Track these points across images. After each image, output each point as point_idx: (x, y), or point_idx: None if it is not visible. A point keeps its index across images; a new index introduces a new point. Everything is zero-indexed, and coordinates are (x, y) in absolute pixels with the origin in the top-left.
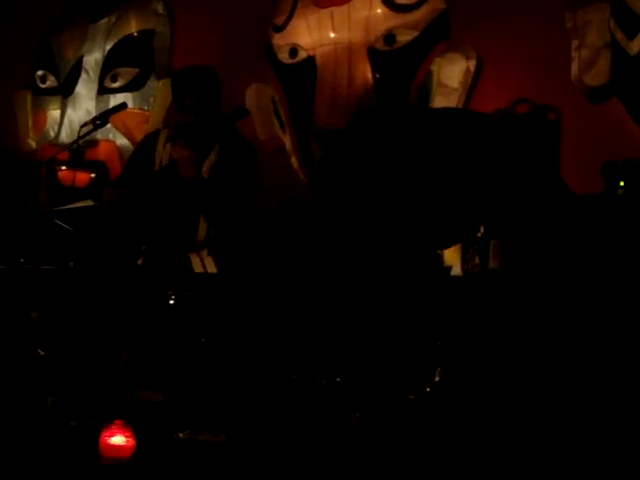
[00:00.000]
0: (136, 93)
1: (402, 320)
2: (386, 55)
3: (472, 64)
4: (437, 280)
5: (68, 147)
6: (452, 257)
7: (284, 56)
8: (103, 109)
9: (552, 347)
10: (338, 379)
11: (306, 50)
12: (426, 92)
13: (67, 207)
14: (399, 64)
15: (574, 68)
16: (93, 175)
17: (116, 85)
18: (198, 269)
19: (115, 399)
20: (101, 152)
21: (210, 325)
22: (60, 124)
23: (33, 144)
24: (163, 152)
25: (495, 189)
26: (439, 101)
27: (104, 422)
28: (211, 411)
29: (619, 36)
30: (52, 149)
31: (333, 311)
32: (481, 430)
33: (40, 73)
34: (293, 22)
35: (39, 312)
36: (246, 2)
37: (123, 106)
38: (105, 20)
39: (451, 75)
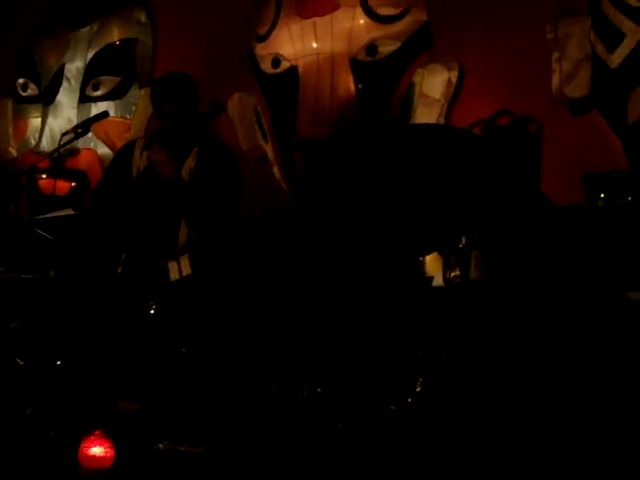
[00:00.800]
0: (118, 102)
1: (384, 330)
2: (368, 66)
3: (454, 75)
4: (419, 290)
5: (49, 155)
6: (434, 268)
7: (267, 66)
8: (84, 117)
9: (533, 357)
10: (319, 389)
11: (289, 60)
12: (408, 103)
13: (47, 216)
14: (381, 75)
15: (555, 80)
16: (74, 184)
17: (98, 93)
18: (174, 275)
19: (94, 409)
20: (82, 161)
21: (191, 335)
22: (41, 132)
23: (14, 152)
24: (140, 161)
25: (476, 200)
26: (421, 112)
27: (83, 432)
28: (191, 422)
29: (600, 49)
30: (33, 157)
31: (314, 321)
32: (462, 440)
33: (21, 81)
34: (276, 32)
35: (19, 322)
36: (229, 12)
37: (105, 115)
38: (87, 28)
39: (433, 86)
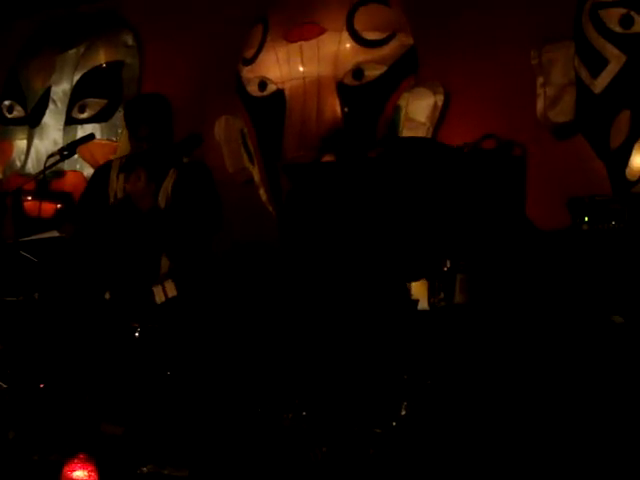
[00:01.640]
0: (104, 124)
1: (369, 354)
2: (355, 89)
3: (439, 99)
4: (404, 314)
5: (34, 177)
6: (419, 291)
7: (253, 89)
8: (70, 140)
9: (518, 380)
10: (304, 413)
11: (275, 83)
12: (394, 126)
13: (32, 238)
14: (367, 98)
15: (539, 105)
16: (59, 206)
17: (84, 116)
18: (160, 298)
19: (78, 433)
20: (68, 183)
21: (175, 358)
22: (27, 154)
23: None
24: (117, 184)
25: (461, 223)
26: (407, 135)
27: (66, 456)
28: (175, 445)
29: (584, 74)
30: (18, 179)
31: (299, 344)
32: (447, 463)
33: (7, 103)
34: (262, 55)
35: (2, 344)
36: (215, 35)
37: (91, 137)
38: (74, 51)
39: (419, 110)
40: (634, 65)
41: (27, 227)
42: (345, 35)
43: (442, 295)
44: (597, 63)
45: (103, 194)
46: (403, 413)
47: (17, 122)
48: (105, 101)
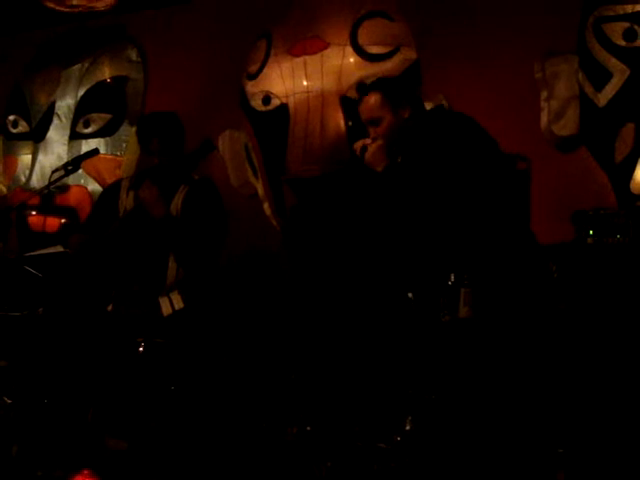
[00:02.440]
0: (108, 139)
1: (373, 368)
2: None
3: None
4: (408, 328)
5: (39, 192)
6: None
7: (257, 103)
8: (75, 154)
9: (523, 396)
10: (308, 428)
11: (279, 98)
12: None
13: (37, 253)
14: None
15: (543, 118)
16: (64, 220)
17: (88, 130)
18: (167, 310)
19: (82, 448)
20: (72, 197)
21: (179, 372)
22: (31, 169)
23: (4, 189)
24: (127, 200)
25: (466, 237)
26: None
27: (71, 472)
28: (179, 460)
29: (587, 87)
30: (23, 194)
31: (304, 359)
32: (452, 479)
33: (12, 118)
34: (266, 70)
35: (6, 359)
36: (220, 50)
37: (95, 152)
38: (78, 66)
39: None
40: (638, 78)
41: (31, 242)
42: (349, 49)
43: (446, 309)
44: (601, 76)
45: (113, 210)
46: (408, 428)
47: (22, 137)
48: (109, 116)
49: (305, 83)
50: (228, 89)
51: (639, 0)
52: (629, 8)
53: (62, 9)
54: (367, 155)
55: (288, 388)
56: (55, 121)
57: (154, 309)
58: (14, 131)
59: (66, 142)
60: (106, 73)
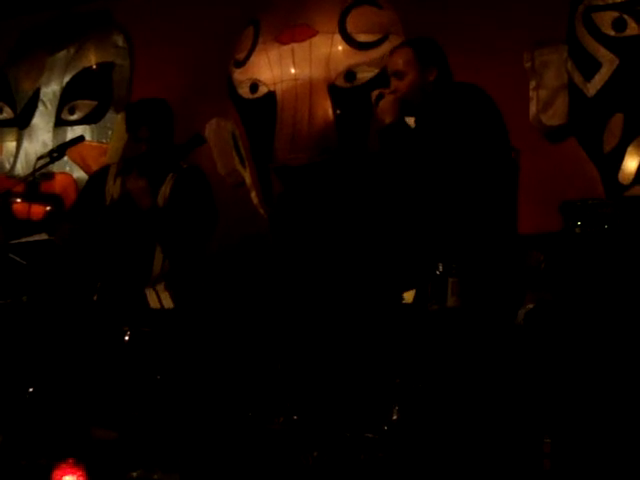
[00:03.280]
0: (94, 126)
1: (360, 357)
2: (346, 92)
3: None
4: (395, 317)
5: (24, 179)
6: (410, 294)
7: (245, 91)
8: (60, 141)
9: (510, 385)
10: (295, 417)
11: (267, 85)
12: None
13: (22, 240)
14: (359, 101)
15: (532, 108)
16: (49, 208)
17: (74, 117)
18: (154, 304)
19: (67, 437)
20: (57, 185)
21: (166, 362)
22: (16, 156)
23: None
24: (113, 187)
25: (453, 227)
26: None
27: (55, 461)
28: (165, 449)
29: (577, 77)
30: (7, 181)
31: (290, 348)
32: (440, 468)
33: None
34: (254, 57)
35: None
36: (207, 37)
37: (80, 139)
38: (63, 52)
39: None
40: (627, 68)
41: (16, 229)
42: (337, 37)
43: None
44: (590, 66)
45: (99, 197)
46: (395, 417)
47: (6, 124)
48: (95, 103)
49: (293, 71)
50: (215, 77)
51: None
52: None
53: None
54: (381, 103)
55: (274, 377)
56: (40, 108)
57: (140, 300)
58: None
59: (51, 129)
60: (92, 59)
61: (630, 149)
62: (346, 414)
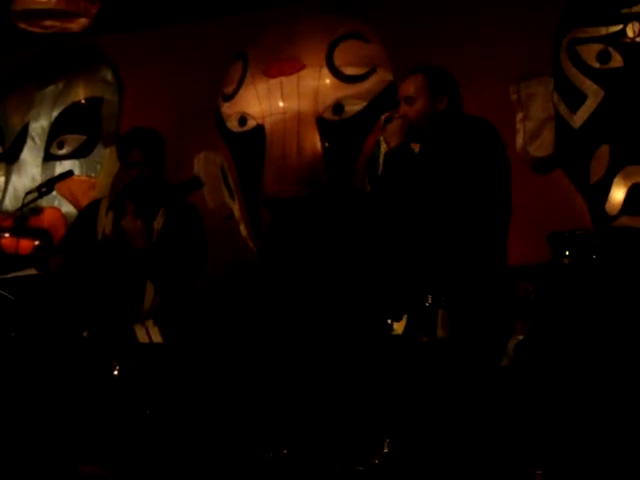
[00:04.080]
0: (83, 160)
1: (351, 390)
2: (335, 125)
3: None
4: (386, 349)
5: (12, 214)
6: (400, 326)
7: (233, 124)
8: (49, 176)
9: (500, 417)
10: (285, 451)
11: (255, 119)
12: (375, 161)
13: (10, 275)
14: (348, 133)
15: (519, 139)
16: (37, 243)
17: (62, 152)
18: (143, 339)
19: (55, 473)
20: (46, 219)
21: (155, 397)
22: (4, 191)
23: None
24: (105, 221)
25: (442, 259)
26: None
27: None
28: None
29: (562, 109)
30: None
31: (280, 382)
32: None
33: None
34: (242, 91)
35: None
36: (195, 71)
37: (69, 173)
38: (52, 87)
39: None
40: (612, 100)
41: (4, 264)
42: (325, 71)
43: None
44: (576, 98)
45: (90, 231)
46: (385, 450)
47: None
48: (84, 137)
49: (281, 104)
50: (204, 110)
51: (613, 22)
52: (603, 30)
53: (36, 30)
54: (389, 126)
55: (264, 411)
56: (29, 142)
57: (129, 335)
58: None
59: (40, 164)
60: (81, 94)
61: (617, 180)
62: (336, 447)
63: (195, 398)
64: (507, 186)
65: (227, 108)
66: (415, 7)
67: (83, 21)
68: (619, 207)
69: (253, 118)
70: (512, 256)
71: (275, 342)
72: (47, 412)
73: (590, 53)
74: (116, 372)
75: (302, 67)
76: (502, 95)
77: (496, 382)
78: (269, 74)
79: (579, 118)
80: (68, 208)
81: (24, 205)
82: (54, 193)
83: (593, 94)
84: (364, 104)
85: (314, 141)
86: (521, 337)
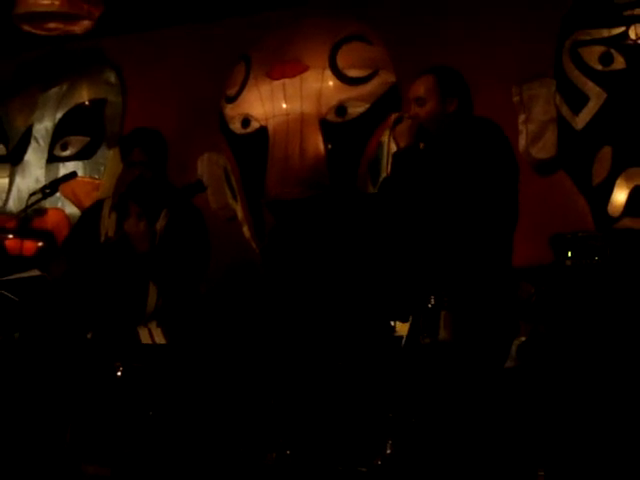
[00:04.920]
0: (86, 162)
1: (353, 392)
2: (338, 126)
3: None
4: (388, 351)
5: (16, 216)
6: (403, 327)
7: (236, 126)
8: (53, 177)
9: (503, 418)
10: (288, 452)
11: (258, 120)
12: (377, 162)
13: (14, 277)
14: (351, 135)
15: (521, 141)
16: (41, 244)
17: (66, 154)
18: (146, 341)
19: (59, 474)
20: (49, 221)
21: (158, 397)
22: (8, 192)
23: None
24: (109, 221)
25: (445, 260)
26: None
27: None
28: None
29: (565, 111)
30: None
31: (283, 383)
32: None
33: None
34: (245, 93)
35: None
36: (198, 73)
37: (73, 175)
38: (56, 89)
39: None
40: (615, 102)
41: (8, 266)
42: (328, 73)
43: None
44: (578, 100)
45: (94, 232)
46: (388, 452)
47: None
48: (87, 139)
49: (284, 106)
50: (207, 112)
51: (615, 24)
52: (605, 32)
53: (39, 32)
54: (398, 126)
55: (267, 413)
56: (33, 144)
57: (132, 337)
58: None
59: (44, 165)
60: (84, 96)
61: (619, 181)
62: (339, 448)
63: (198, 399)
64: (515, 189)
65: (230, 110)
66: (416, 7)
67: (86, 23)
68: (621, 209)
69: (256, 120)
70: (514, 257)
71: (278, 343)
72: (51, 413)
73: (592, 55)
74: (119, 373)
75: (305, 69)
76: (504, 96)
77: (499, 384)
78: (272, 76)
79: (581, 120)
80: (72, 209)
81: (28, 206)
82: (58, 194)
83: (595, 96)
84: (367, 106)
85: (317, 143)
86: (523, 339)
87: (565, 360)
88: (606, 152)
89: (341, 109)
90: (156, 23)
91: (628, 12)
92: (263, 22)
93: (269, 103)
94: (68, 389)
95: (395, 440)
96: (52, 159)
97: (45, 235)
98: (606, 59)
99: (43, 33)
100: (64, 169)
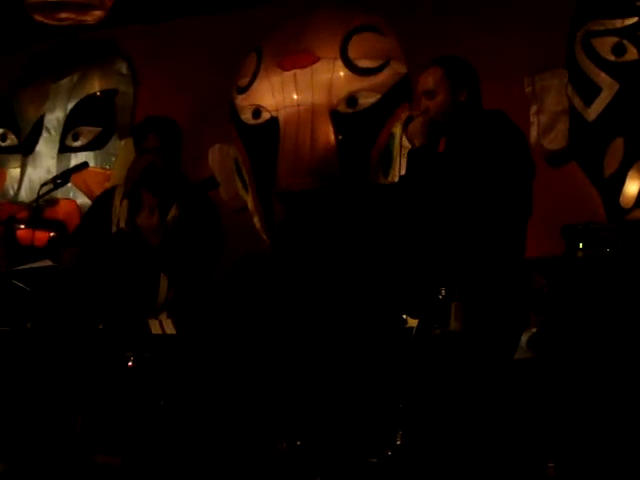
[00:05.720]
0: (98, 152)
1: (364, 382)
2: (349, 117)
3: None
4: (399, 342)
5: (28, 206)
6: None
7: (247, 117)
8: (64, 168)
9: (513, 409)
10: (298, 442)
11: (269, 111)
12: (388, 154)
13: (25, 267)
14: (361, 126)
15: (533, 132)
16: (52, 234)
17: (77, 144)
18: (157, 332)
19: (71, 463)
20: (61, 211)
21: (169, 387)
22: (20, 182)
23: None
24: (120, 209)
25: (456, 251)
26: (401, 163)
27: None
28: (168, 475)
29: (577, 102)
30: (11, 208)
31: (294, 374)
32: None
33: (0, 131)
34: (257, 84)
35: None
36: (210, 63)
37: (84, 165)
38: (67, 79)
39: None
40: (627, 93)
41: (20, 256)
42: (339, 63)
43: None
44: (590, 91)
45: (105, 220)
46: (398, 442)
47: (10, 150)
48: (99, 129)
49: (295, 97)
50: (218, 103)
51: (628, 15)
52: (618, 23)
53: (51, 22)
54: (410, 126)
55: (278, 403)
56: (44, 134)
57: (143, 328)
58: (3, 144)
59: (55, 155)
60: (96, 86)
61: (631, 173)
62: (349, 439)
63: (208, 389)
64: (528, 182)
65: (241, 100)
66: None
67: (98, 13)
68: (633, 200)
69: (267, 111)
70: (526, 249)
71: (289, 334)
72: (62, 402)
73: (605, 46)
74: (130, 363)
75: (316, 60)
76: (516, 87)
77: (509, 375)
78: (283, 67)
79: (593, 111)
80: (83, 200)
81: (39, 197)
82: (69, 185)
83: (608, 87)
84: (378, 97)
85: (328, 134)
86: (534, 330)
87: (576, 351)
88: (618, 143)
89: (352, 100)
90: (168, 14)
91: None
92: (274, 13)
93: (280, 94)
94: (79, 379)
95: (405, 431)
96: (63, 149)
97: (57, 225)
98: (619, 50)
99: (55, 23)
100: (75, 159)
